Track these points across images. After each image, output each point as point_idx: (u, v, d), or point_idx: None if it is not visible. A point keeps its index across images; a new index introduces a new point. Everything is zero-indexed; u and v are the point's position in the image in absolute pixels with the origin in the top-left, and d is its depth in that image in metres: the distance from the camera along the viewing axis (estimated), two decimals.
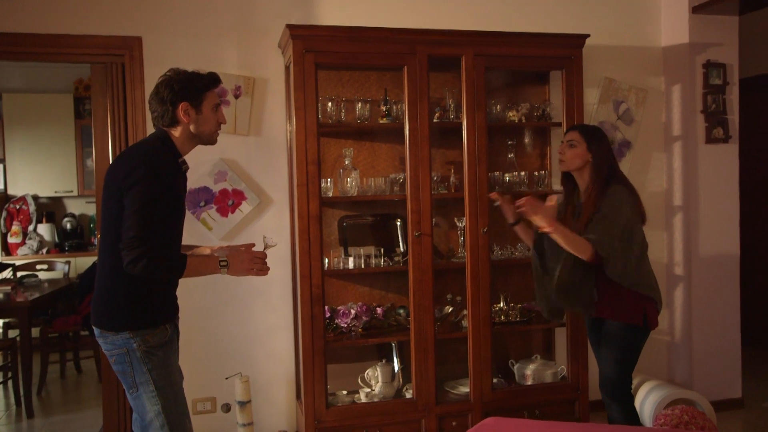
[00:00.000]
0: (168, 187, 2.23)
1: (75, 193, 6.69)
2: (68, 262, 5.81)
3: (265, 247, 2.35)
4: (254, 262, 2.32)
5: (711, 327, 4.12)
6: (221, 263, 2.28)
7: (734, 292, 4.17)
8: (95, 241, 6.68)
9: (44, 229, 6.60)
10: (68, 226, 6.67)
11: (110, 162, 3.61)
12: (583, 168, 2.88)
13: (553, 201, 2.65)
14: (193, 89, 2.32)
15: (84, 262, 6.23)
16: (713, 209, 4.12)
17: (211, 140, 2.42)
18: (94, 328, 2.31)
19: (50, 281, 5.51)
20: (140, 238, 2.12)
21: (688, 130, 4.12)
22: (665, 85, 4.27)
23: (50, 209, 6.78)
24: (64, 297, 5.28)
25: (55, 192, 6.66)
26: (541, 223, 2.63)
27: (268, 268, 2.35)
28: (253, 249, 2.39)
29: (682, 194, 4.16)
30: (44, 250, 6.51)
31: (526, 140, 3.96)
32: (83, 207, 6.88)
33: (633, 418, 2.90)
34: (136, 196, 2.14)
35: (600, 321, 2.94)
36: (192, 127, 2.34)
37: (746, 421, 3.97)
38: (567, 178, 3.00)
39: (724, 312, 4.15)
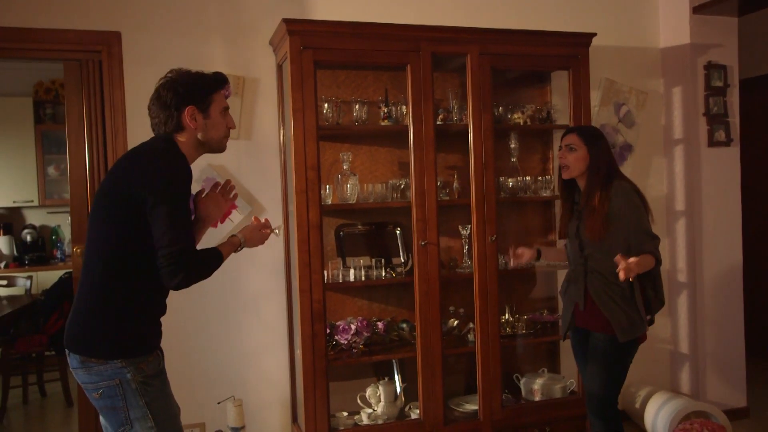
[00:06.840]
0: (189, 194, 2.02)
1: (35, 203, 6.25)
2: (30, 277, 5.40)
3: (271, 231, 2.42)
4: (263, 233, 2.31)
5: (715, 335, 4.01)
6: (240, 240, 2.22)
7: (738, 298, 4.07)
8: (59, 254, 6.28)
9: (2, 242, 6.15)
10: (28, 238, 6.21)
11: (86, 167, 3.30)
12: (586, 170, 2.79)
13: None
14: (199, 91, 2.08)
15: (47, 276, 5.79)
16: (715, 214, 4.02)
17: (220, 147, 2.18)
18: (70, 356, 1.98)
19: (10, 298, 5.10)
20: (182, 250, 1.91)
21: (690, 134, 4.02)
22: (665, 87, 4.16)
23: (8, 220, 6.31)
24: (26, 315, 4.88)
25: (14, 202, 6.21)
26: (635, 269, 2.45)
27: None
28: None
29: (685, 199, 4.05)
30: (2, 265, 6.06)
31: (529, 144, 3.79)
32: (44, 218, 6.43)
33: None
34: (169, 205, 1.90)
35: (586, 333, 2.78)
36: (200, 134, 2.09)
37: (754, 431, 3.87)
38: (566, 183, 2.89)
39: (729, 319, 4.04)
